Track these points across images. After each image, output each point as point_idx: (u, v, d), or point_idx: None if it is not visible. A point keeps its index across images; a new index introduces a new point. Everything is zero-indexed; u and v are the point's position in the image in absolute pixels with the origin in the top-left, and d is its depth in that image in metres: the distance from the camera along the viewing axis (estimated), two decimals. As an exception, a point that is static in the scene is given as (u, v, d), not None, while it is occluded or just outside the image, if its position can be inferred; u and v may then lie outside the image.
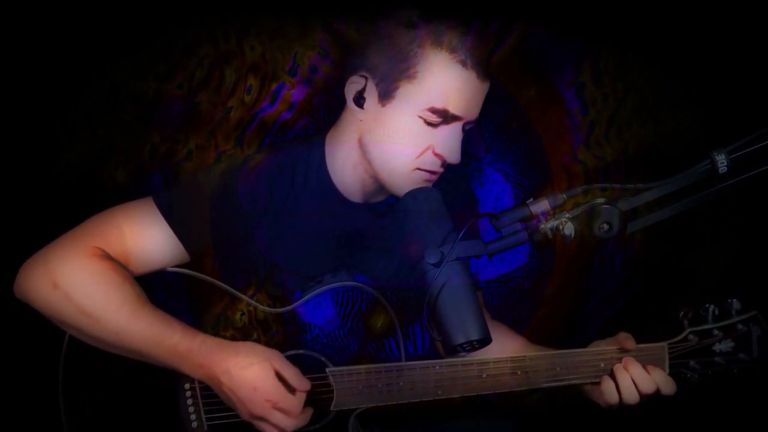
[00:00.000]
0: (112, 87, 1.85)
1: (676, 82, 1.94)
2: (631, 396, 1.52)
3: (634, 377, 1.52)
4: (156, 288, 1.58)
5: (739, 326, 1.53)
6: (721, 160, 1.31)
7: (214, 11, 1.83)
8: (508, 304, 2.16)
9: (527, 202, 1.38)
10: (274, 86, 1.90)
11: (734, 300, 1.55)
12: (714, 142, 1.33)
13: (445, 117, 1.53)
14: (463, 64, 1.51)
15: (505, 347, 1.73)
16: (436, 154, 1.56)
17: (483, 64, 1.53)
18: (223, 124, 1.90)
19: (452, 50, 1.50)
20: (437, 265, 1.37)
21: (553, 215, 1.36)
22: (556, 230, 1.35)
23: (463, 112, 1.54)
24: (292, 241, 1.64)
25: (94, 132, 1.87)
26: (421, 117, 1.53)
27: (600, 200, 1.35)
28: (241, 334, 1.58)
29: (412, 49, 1.51)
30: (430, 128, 1.54)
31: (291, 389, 1.47)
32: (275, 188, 1.62)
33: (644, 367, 1.53)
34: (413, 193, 1.49)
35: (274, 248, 1.64)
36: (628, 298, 2.09)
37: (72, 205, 1.75)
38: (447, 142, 1.55)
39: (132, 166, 1.89)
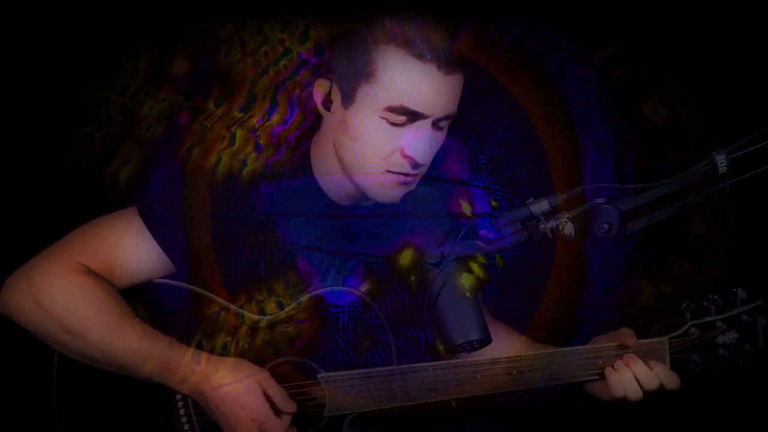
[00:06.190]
0: (112, 86, 1.85)
1: (677, 81, 1.94)
2: (634, 393, 1.49)
3: (636, 374, 1.50)
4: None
5: (744, 317, 1.49)
6: (721, 160, 1.31)
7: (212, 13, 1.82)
8: (505, 302, 2.15)
9: (527, 202, 1.37)
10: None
11: (739, 289, 1.51)
12: (714, 142, 1.33)
13: (408, 115, 1.45)
14: (420, 57, 1.42)
15: (505, 347, 1.71)
16: (406, 156, 1.48)
17: (445, 55, 1.43)
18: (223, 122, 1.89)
19: (407, 44, 1.42)
20: (437, 265, 1.37)
21: (553, 215, 1.36)
22: (556, 230, 1.35)
23: (426, 108, 1.45)
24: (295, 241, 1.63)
25: (93, 133, 1.86)
26: (383, 117, 1.46)
27: (600, 200, 1.35)
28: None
29: (367, 48, 1.45)
30: (396, 128, 1.47)
31: (277, 410, 1.48)
32: (269, 191, 1.60)
33: (646, 363, 1.51)
34: (413, 193, 1.49)
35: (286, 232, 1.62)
36: (627, 294, 2.08)
37: (71, 208, 1.73)
38: (414, 142, 1.47)
39: (133, 167, 1.88)
